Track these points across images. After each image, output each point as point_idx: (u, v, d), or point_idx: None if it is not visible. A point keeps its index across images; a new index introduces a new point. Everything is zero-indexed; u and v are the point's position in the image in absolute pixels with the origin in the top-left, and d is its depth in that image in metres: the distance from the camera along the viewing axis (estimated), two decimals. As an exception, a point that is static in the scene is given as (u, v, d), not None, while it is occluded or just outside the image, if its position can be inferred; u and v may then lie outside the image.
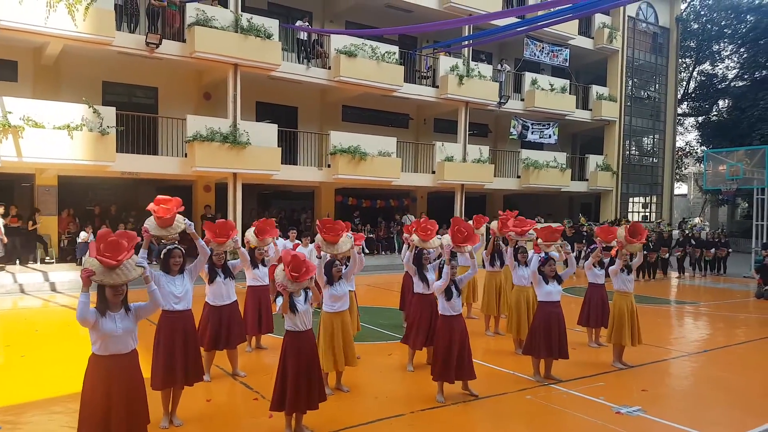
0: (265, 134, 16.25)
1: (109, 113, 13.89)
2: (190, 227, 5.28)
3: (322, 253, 5.78)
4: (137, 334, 4.13)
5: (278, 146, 16.51)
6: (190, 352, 5.17)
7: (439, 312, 5.95)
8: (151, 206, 5.14)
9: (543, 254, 6.79)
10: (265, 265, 7.56)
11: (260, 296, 7.47)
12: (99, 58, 15.22)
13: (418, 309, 6.90)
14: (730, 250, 19.31)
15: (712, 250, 18.78)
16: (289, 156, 17.62)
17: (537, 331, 6.53)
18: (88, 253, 4.01)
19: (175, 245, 5.36)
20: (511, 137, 22.58)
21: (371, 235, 20.09)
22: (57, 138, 12.99)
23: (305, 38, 17.57)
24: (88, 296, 3.85)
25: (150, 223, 5.10)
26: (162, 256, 5.28)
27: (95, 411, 3.88)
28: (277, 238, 8.64)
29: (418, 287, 6.98)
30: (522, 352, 7.07)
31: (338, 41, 17.46)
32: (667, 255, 18.07)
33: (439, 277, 5.98)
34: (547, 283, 6.55)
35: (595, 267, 8.20)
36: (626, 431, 5.16)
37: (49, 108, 13.13)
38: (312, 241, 10.75)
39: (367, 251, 19.51)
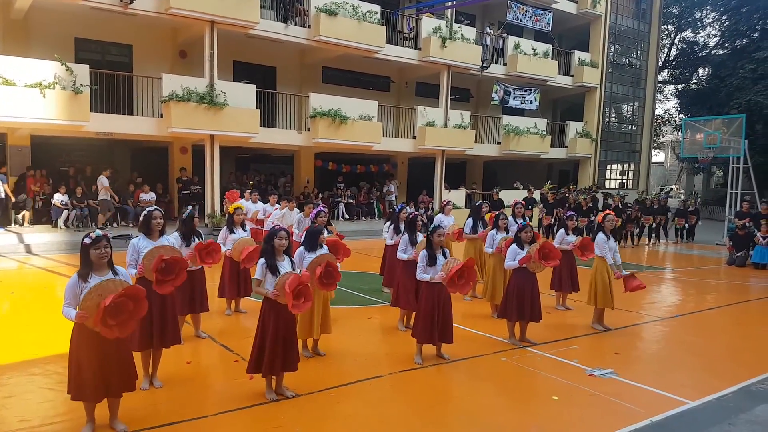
0: (243, 95, 15.93)
1: (83, 71, 13.49)
2: None
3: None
4: None
5: (256, 108, 16.22)
6: (168, 315, 5.14)
7: None
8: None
9: (521, 221, 6.84)
10: (245, 230, 7.56)
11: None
12: (71, 13, 14.68)
13: (405, 272, 6.94)
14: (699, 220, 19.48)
15: (669, 216, 18.89)
16: (268, 118, 17.32)
17: (511, 295, 6.66)
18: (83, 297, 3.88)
19: (155, 207, 5.38)
20: (493, 102, 22.50)
21: (351, 201, 20.03)
22: (29, 96, 12.61)
23: (284, -5, 17.12)
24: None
25: None
26: (142, 218, 5.22)
27: (88, 368, 3.91)
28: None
29: (405, 255, 6.98)
30: (497, 315, 7.21)
31: (318, -1, 17.03)
32: (651, 223, 18.29)
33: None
34: (522, 248, 6.62)
35: (568, 234, 8.33)
36: (598, 393, 5.30)
37: (20, 65, 12.70)
38: (289, 206, 10.63)
39: (347, 217, 19.49)
